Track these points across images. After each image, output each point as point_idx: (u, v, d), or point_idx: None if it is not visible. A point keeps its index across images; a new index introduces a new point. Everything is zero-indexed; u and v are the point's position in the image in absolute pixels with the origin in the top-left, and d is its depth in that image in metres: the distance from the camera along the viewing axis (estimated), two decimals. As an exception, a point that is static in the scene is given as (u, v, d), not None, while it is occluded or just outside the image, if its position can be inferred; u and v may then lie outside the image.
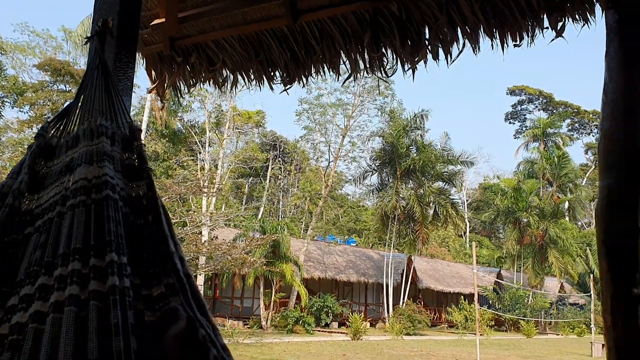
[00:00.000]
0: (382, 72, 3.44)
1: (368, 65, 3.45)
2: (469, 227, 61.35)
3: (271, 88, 3.90)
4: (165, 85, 4.09)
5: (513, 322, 36.81)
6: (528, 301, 37.51)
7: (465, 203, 61.54)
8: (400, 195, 33.90)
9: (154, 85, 4.10)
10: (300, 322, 26.07)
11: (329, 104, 32.82)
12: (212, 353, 1.13)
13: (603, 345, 21.66)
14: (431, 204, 34.29)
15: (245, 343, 19.03)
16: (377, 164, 34.96)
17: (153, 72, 3.98)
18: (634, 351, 1.35)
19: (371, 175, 35.78)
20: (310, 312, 28.03)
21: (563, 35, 2.77)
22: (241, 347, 17.71)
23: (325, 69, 3.65)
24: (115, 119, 1.40)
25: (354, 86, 32.17)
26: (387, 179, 34.90)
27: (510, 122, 78.47)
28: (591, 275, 36.03)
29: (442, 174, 34.82)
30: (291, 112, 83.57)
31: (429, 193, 33.15)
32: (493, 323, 33.38)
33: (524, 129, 71.43)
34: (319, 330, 27.34)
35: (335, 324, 29.62)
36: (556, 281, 43.21)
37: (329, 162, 34.13)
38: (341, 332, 26.71)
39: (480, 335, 27.39)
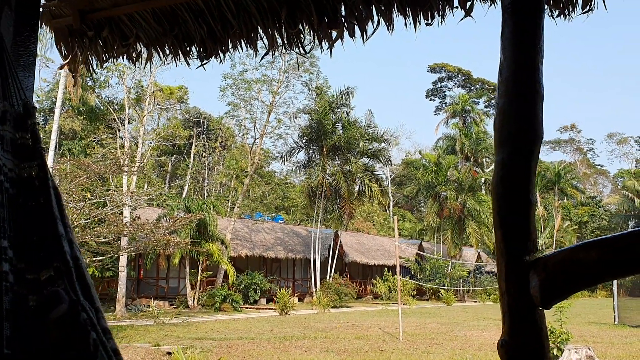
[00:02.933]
0: (301, 48, 3.44)
1: (286, 42, 3.43)
2: (393, 201, 62.97)
3: (187, 64, 3.80)
4: (78, 60, 3.90)
5: (434, 291, 38.39)
6: (447, 271, 39.15)
7: (389, 178, 62.99)
8: (327, 172, 34.25)
9: (65, 62, 3.91)
10: (228, 300, 25.99)
11: (253, 79, 32.42)
12: (92, 336, 1.11)
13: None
14: (357, 180, 34.86)
15: (172, 323, 18.79)
16: (303, 141, 35.06)
17: (63, 47, 3.79)
18: (525, 314, 1.45)
19: (298, 152, 35.88)
20: (238, 289, 28.00)
21: (472, 15, 2.86)
22: (167, 328, 17.48)
23: (243, 44, 3.60)
24: (9, 97, 1.33)
25: (279, 62, 31.92)
26: (314, 155, 35.10)
27: (430, 99, 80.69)
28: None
29: (368, 151, 35.43)
30: (215, 87, 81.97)
31: (355, 169, 33.67)
32: (415, 293, 34.65)
33: (443, 105, 73.69)
34: (247, 308, 27.39)
35: (263, 301, 29.78)
36: (473, 251, 45.34)
37: (255, 139, 33.85)
38: (269, 308, 26.89)
39: (403, 304, 28.36)
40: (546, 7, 2.73)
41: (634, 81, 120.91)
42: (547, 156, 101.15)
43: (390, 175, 64.55)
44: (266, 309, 27.27)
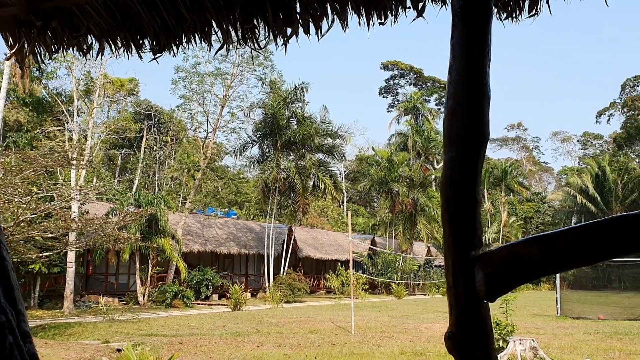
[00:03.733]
0: (255, 43, 3.44)
1: (241, 37, 3.42)
2: (347, 197, 63.41)
3: (140, 57, 3.74)
4: (25, 51, 3.78)
5: (385, 285, 38.95)
6: (399, 265, 39.78)
7: (343, 174, 63.39)
8: (281, 167, 34.18)
9: (11, 52, 3.77)
10: (179, 296, 25.68)
11: (206, 72, 31.99)
12: (9, 340, 1.10)
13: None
14: (311, 176, 34.92)
15: (121, 320, 18.46)
16: (257, 136, 34.86)
17: (10, 37, 3.66)
18: (471, 307, 1.51)
19: (252, 147, 35.64)
20: (189, 285, 27.68)
21: (423, 15, 2.92)
22: (117, 324, 17.15)
23: (197, 38, 3.56)
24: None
25: (233, 55, 31.61)
26: (268, 150, 34.95)
27: (383, 96, 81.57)
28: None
29: (322, 146, 35.54)
30: (167, 80, 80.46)
31: (309, 165, 33.71)
32: (367, 287, 35.05)
33: (396, 102, 74.66)
34: (199, 304, 27.12)
35: (215, 297, 29.52)
36: (424, 245, 46.22)
37: (208, 133, 33.44)
38: (222, 304, 26.69)
39: (355, 298, 28.70)
40: (494, 9, 2.83)
41: (577, 81, 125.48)
42: (495, 153, 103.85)
43: (345, 171, 64.97)
44: (218, 305, 27.05)
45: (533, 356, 10.05)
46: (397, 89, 78.88)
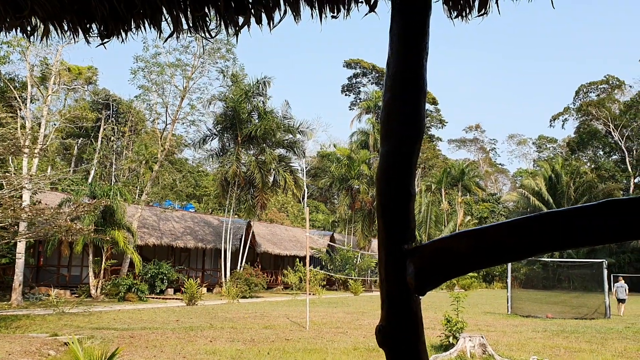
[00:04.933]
0: (206, 32, 3.37)
1: (191, 25, 3.35)
2: (307, 193, 63.44)
3: (87, 42, 3.63)
4: (-33, 33, 3.62)
5: (343, 282, 39.17)
6: (356, 261, 40.05)
7: (304, 170, 63.37)
8: (242, 161, 33.93)
9: (-47, 34, 3.61)
10: (133, 289, 25.22)
11: (167, 63, 31.46)
12: None
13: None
14: (272, 171, 34.77)
15: (72, 313, 18.02)
16: (218, 129, 34.50)
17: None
18: (401, 301, 1.51)
19: (211, 140, 35.23)
20: (144, 279, 27.25)
21: (375, 11, 2.91)
22: (67, 317, 16.72)
23: (147, 25, 3.47)
24: None
25: (194, 47, 31.19)
26: (228, 144, 34.64)
27: (346, 94, 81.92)
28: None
29: (283, 142, 35.42)
30: (126, 69, 78.80)
31: (269, 160, 33.55)
32: (325, 283, 35.18)
33: (358, 100, 75.10)
34: (153, 298, 26.72)
35: (170, 291, 29.13)
36: (382, 243, 46.57)
37: (167, 125, 32.91)
38: (176, 299, 26.35)
39: (312, 294, 28.78)
40: (445, 7, 2.85)
41: (534, 86, 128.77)
42: (453, 154, 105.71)
43: (306, 167, 64.96)
44: (173, 299, 26.70)
45: (482, 353, 10.25)
46: (359, 87, 79.36)
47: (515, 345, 12.50)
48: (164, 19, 3.39)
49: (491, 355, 10.21)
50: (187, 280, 25.52)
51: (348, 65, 78.91)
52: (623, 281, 25.40)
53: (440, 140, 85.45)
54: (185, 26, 3.38)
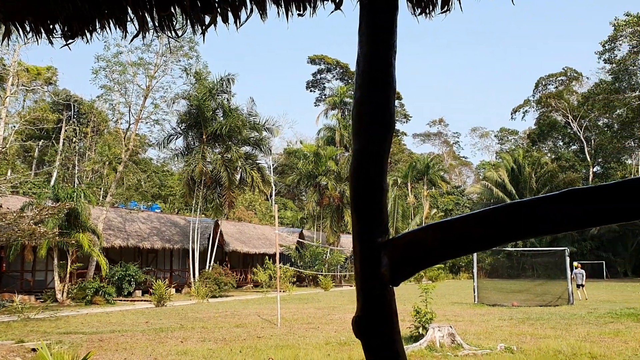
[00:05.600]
0: (172, 31, 3.36)
1: (157, 24, 3.33)
2: (275, 190, 63.33)
3: (51, 43, 3.57)
4: None
5: (313, 278, 39.30)
6: (326, 257, 40.21)
7: (272, 167, 63.22)
8: (207, 160, 33.65)
9: None
10: (101, 292, 24.83)
11: (129, 62, 30.92)
12: None
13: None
14: (238, 169, 34.58)
15: (38, 318, 17.63)
16: (182, 127, 34.11)
17: None
18: (376, 292, 1.56)
19: (176, 139, 34.82)
20: (111, 282, 26.85)
21: (341, 8, 2.95)
22: (33, 323, 16.36)
23: (112, 25, 3.44)
24: None
25: (156, 45, 30.75)
26: (193, 142, 34.29)
27: (311, 90, 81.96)
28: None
29: (249, 139, 35.25)
30: (87, 69, 77.22)
31: (236, 157, 33.35)
32: (295, 280, 35.22)
33: (323, 96, 75.23)
34: (121, 300, 26.36)
35: (138, 293, 28.77)
36: (351, 238, 46.87)
37: (130, 125, 32.35)
38: (145, 300, 26.05)
39: (283, 291, 28.80)
40: (409, 5, 2.91)
41: (495, 79, 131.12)
42: (418, 148, 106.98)
43: (273, 164, 64.81)
44: (141, 301, 26.38)
45: (451, 342, 10.45)
46: (324, 83, 79.51)
47: (483, 333, 12.78)
48: (129, 19, 3.36)
49: (460, 344, 10.42)
50: (155, 281, 25.23)
51: (312, 61, 78.95)
52: (581, 267, 26.42)
53: (405, 134, 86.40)
54: (150, 25, 3.36)
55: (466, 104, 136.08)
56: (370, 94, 1.56)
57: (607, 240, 53.61)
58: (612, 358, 9.32)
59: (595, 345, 10.76)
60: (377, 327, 1.55)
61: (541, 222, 1.44)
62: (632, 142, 53.27)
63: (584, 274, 26.06)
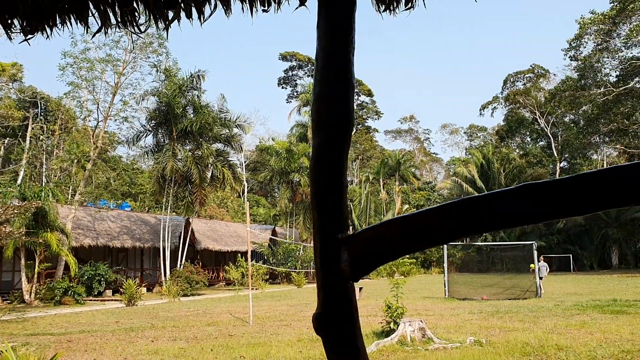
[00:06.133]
0: (135, 27, 3.31)
1: (120, 20, 3.28)
2: (247, 187, 63.03)
3: (9, 38, 3.49)
4: None
5: (286, 275, 39.25)
6: (299, 254, 40.20)
7: (244, 164, 62.87)
8: (178, 157, 33.29)
9: None
10: (70, 292, 24.44)
11: (97, 58, 30.40)
12: None
13: (360, 288, 24.33)
14: (209, 166, 34.30)
15: (4, 320, 17.21)
16: (152, 125, 33.68)
17: None
18: (336, 288, 1.56)
19: (146, 136, 34.36)
20: (80, 281, 26.46)
21: (306, 5, 2.94)
22: (-2, 325, 15.98)
23: (73, 20, 3.37)
24: None
25: (125, 41, 30.29)
26: (163, 140, 33.89)
27: (283, 87, 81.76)
28: (350, 228, 40.09)
29: (220, 136, 34.99)
30: (54, 65, 75.60)
31: (207, 155, 33.08)
32: (268, 277, 35.14)
33: (295, 93, 75.10)
34: (91, 300, 25.97)
35: (109, 292, 28.39)
36: (324, 234, 46.91)
37: (98, 122, 31.84)
38: (115, 300, 25.72)
39: (255, 289, 28.72)
40: (374, 1, 2.93)
41: (465, 76, 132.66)
42: (390, 145, 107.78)
43: (245, 161, 64.44)
44: (112, 300, 26.03)
45: (421, 336, 10.56)
46: (296, 80, 79.34)
47: (453, 327, 12.94)
48: (91, 14, 3.30)
49: (430, 338, 10.53)
50: (126, 280, 24.91)
51: (284, 58, 78.74)
52: (543, 260, 27.20)
53: (377, 131, 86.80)
54: (113, 21, 3.31)
55: (437, 100, 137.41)
56: (329, 89, 1.57)
57: (574, 234, 54.79)
58: (577, 349, 9.54)
59: (561, 337, 10.99)
60: (337, 323, 1.55)
61: (498, 216, 1.46)
62: (597, 138, 54.46)
63: (547, 266, 26.77)
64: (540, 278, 25.73)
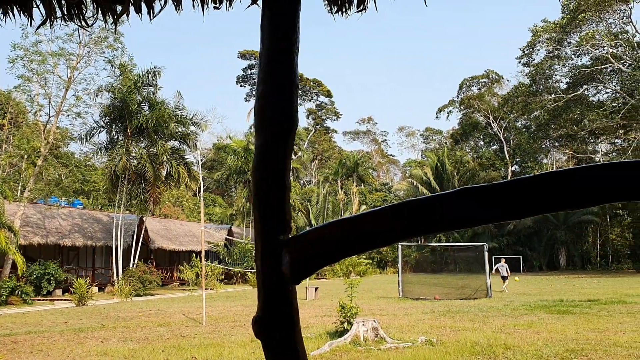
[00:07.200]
0: (82, 21, 3.22)
1: (66, 12, 3.18)
2: (204, 186, 62.29)
3: (-55, 27, 3.34)
4: None
5: (242, 275, 38.96)
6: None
7: (200, 162, 62.09)
8: (132, 154, 32.64)
9: None
10: (17, 292, 23.72)
11: (49, 52, 29.51)
12: None
13: (316, 288, 24.38)
14: (164, 164, 33.76)
15: (-57, 322, 16.51)
16: (106, 121, 32.89)
17: None
18: (277, 291, 1.55)
19: (99, 133, 33.55)
20: (28, 281, 25.71)
21: (258, 3, 2.92)
22: (-64, 328, 15.30)
23: (15, 11, 3.25)
24: None
25: (79, 35, 29.48)
26: (117, 136, 33.16)
27: (241, 85, 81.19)
28: (307, 228, 40.17)
29: (176, 133, 34.47)
30: (3, 57, 72.97)
31: (162, 152, 32.53)
32: (223, 277, 34.81)
33: (254, 92, 74.57)
34: (40, 300, 25.23)
35: (59, 292, 27.64)
36: (282, 234, 46.79)
37: (50, 117, 30.90)
38: (65, 300, 25.06)
39: (210, 289, 28.41)
40: (326, 2, 2.92)
41: (422, 79, 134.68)
42: (348, 145, 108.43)
43: (202, 160, 63.65)
44: (62, 300, 25.34)
45: (374, 336, 10.65)
46: (255, 79, 78.92)
47: (406, 327, 13.11)
48: (35, 5, 3.19)
49: (383, 338, 10.64)
50: (77, 280, 24.28)
51: (243, 56, 78.18)
52: (504, 261, 27.96)
53: (336, 132, 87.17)
54: (59, 13, 3.21)
55: (394, 103, 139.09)
56: (272, 89, 1.55)
57: (524, 235, 56.34)
58: (524, 348, 9.80)
59: (509, 336, 11.27)
60: (277, 326, 1.54)
61: (440, 219, 1.48)
62: (547, 143, 56.14)
63: (507, 267, 27.71)
64: (504, 278, 26.82)
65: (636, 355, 8.96)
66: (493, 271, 27.62)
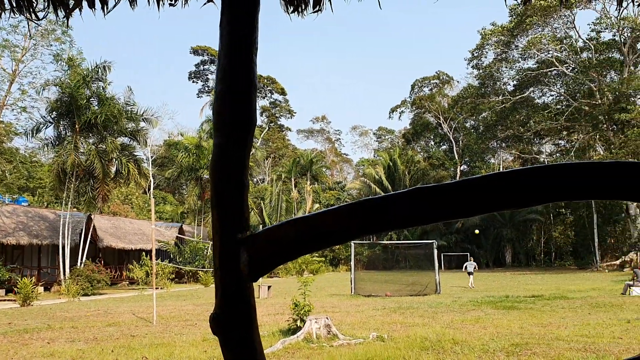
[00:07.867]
0: (32, 14, 3.14)
1: (15, 5, 3.10)
2: (154, 183, 61.15)
3: None
4: None
5: (193, 274, 38.47)
6: (207, 253, 39.56)
7: (150, 159, 60.93)
8: (80, 151, 31.73)
9: None
10: (-46, 293, 22.64)
11: (-9, 43, 28.37)
12: None
13: (269, 286, 24.35)
14: (114, 160, 32.97)
15: None
16: (52, 116, 31.85)
17: None
18: (235, 289, 1.57)
19: (46, 128, 32.43)
20: (-32, 281, 24.57)
21: (214, 1, 2.92)
22: None
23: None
24: None
25: (24, 27, 28.48)
26: (64, 132, 32.15)
27: (194, 81, 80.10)
28: (261, 226, 39.94)
29: (126, 130, 33.71)
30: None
31: (111, 149, 31.74)
32: (174, 276, 34.28)
33: (207, 88, 73.86)
34: (-20, 301, 24.21)
35: (2, 292, 26.67)
36: (233, 233, 46.47)
37: (-8, 111, 29.70)
38: (9, 300, 24.20)
39: (161, 288, 27.97)
40: (283, 2, 2.95)
41: (375, 79, 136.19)
42: (302, 144, 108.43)
43: (152, 157, 62.45)
44: (5, 300, 24.45)
45: (327, 333, 10.74)
46: (208, 75, 78.04)
47: (357, 323, 13.27)
48: (-19, -3, 3.10)
49: (335, 334, 10.74)
50: (21, 279, 23.44)
51: (195, 52, 77.13)
52: (472, 260, 29.57)
53: (290, 130, 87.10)
54: (7, 5, 3.12)
55: (348, 102, 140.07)
56: (231, 88, 1.57)
57: (472, 233, 57.84)
58: (472, 343, 10.08)
59: (457, 331, 11.57)
60: (234, 324, 1.56)
61: (394, 218, 1.53)
62: (494, 143, 57.74)
63: (475, 265, 29.25)
64: (470, 273, 27.91)
65: (577, 348, 9.35)
66: (463, 269, 29.20)
